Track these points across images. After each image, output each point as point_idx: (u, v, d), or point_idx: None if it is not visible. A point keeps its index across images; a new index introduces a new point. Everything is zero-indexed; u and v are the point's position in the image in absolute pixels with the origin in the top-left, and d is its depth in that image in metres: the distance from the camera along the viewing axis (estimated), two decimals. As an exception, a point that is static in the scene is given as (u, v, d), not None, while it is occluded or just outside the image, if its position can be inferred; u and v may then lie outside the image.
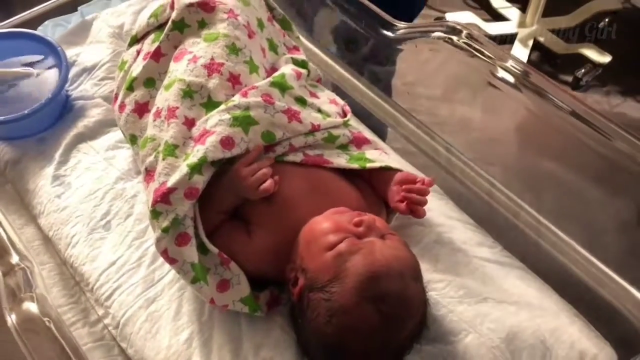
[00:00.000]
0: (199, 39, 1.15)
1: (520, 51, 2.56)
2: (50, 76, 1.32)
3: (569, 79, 2.48)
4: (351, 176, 1.07)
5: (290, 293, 0.93)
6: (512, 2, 2.80)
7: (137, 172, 1.21)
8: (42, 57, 1.36)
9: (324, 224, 0.92)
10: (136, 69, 1.19)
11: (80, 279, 1.10)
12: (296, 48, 1.31)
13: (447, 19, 2.59)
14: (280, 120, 1.04)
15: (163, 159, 1.00)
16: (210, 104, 1.06)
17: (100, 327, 1.06)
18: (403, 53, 1.52)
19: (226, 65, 1.10)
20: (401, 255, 0.89)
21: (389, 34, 1.42)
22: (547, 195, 1.27)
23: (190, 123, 1.04)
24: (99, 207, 1.15)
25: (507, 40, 2.63)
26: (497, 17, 2.78)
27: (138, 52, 1.25)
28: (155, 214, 0.96)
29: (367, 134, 1.21)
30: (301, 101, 1.12)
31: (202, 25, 1.17)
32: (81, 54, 1.44)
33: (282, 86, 1.10)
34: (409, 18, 1.70)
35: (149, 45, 1.23)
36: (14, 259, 1.05)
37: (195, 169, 0.96)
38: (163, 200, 0.95)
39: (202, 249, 0.97)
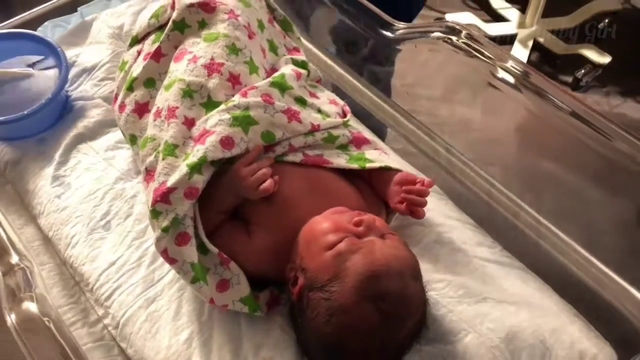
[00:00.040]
0: (199, 39, 1.15)
1: (520, 52, 2.56)
2: (50, 77, 1.32)
3: (569, 79, 2.48)
4: (351, 176, 1.07)
5: (290, 293, 0.93)
6: (511, 3, 2.80)
7: (137, 173, 1.21)
8: (42, 57, 1.36)
9: (324, 224, 0.92)
10: (136, 69, 1.20)
11: (80, 279, 1.10)
12: (296, 49, 1.31)
13: (447, 20, 2.59)
14: (280, 120, 1.04)
15: (163, 159, 1.00)
16: (210, 104, 1.06)
17: (100, 327, 1.06)
18: (403, 53, 1.52)
19: (226, 65, 1.10)
20: (401, 254, 0.89)
21: (389, 34, 1.42)
22: (547, 196, 1.27)
23: (190, 123, 1.04)
24: (98, 207, 1.15)
25: (506, 41, 2.63)
26: (496, 17, 2.78)
27: (139, 53, 1.25)
28: (155, 214, 0.96)
29: (367, 134, 1.21)
30: (301, 101, 1.12)
31: (203, 25, 1.18)
32: (81, 55, 1.44)
33: (281, 86, 1.10)
34: (408, 18, 1.70)
35: (149, 45, 1.23)
36: (14, 259, 1.05)
37: (195, 168, 0.96)
38: (163, 199, 0.95)
39: (202, 248, 0.97)
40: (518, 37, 2.63)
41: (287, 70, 1.15)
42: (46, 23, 1.54)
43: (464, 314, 0.96)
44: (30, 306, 0.98)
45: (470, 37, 1.31)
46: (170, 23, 1.19)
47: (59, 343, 0.94)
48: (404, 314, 0.86)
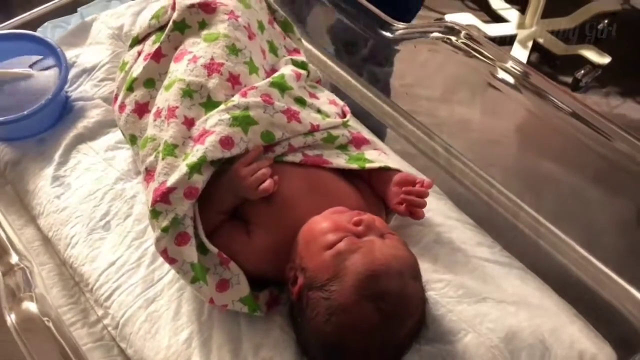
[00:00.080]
0: (199, 39, 1.15)
1: (520, 52, 2.56)
2: (50, 77, 1.33)
3: (569, 80, 2.49)
4: (350, 176, 1.07)
5: (289, 292, 0.93)
6: (511, 4, 2.80)
7: (137, 173, 1.21)
8: (42, 57, 1.36)
9: (323, 223, 0.92)
10: (136, 70, 1.20)
11: (80, 280, 1.10)
12: (296, 50, 1.31)
13: (446, 20, 2.59)
14: (279, 120, 1.04)
15: (163, 159, 1.00)
16: (210, 104, 1.06)
17: (99, 328, 1.06)
18: (402, 54, 1.52)
19: (226, 65, 1.10)
20: (400, 254, 0.89)
21: (388, 34, 1.42)
22: (546, 196, 1.27)
23: (189, 123, 1.04)
24: (98, 207, 1.16)
25: (506, 41, 2.64)
26: (496, 18, 2.79)
27: (139, 53, 1.25)
28: (155, 214, 0.96)
29: (367, 134, 1.21)
30: (300, 101, 1.12)
31: (203, 26, 1.18)
32: (81, 55, 1.44)
33: (281, 86, 1.10)
34: (407, 19, 1.70)
35: (149, 46, 1.23)
36: (14, 259, 1.05)
37: (195, 168, 0.96)
38: (163, 199, 0.95)
39: (201, 248, 0.97)
40: (518, 37, 2.63)
41: (286, 70, 1.15)
42: (46, 24, 1.54)
43: (463, 313, 0.96)
44: (30, 306, 0.98)
45: (469, 37, 1.31)
46: (170, 23, 1.19)
47: (58, 343, 0.94)
48: (404, 314, 0.87)
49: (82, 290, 1.10)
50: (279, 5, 1.36)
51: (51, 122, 1.31)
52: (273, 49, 1.25)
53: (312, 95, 1.19)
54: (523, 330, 0.95)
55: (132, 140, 1.17)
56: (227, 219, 1.02)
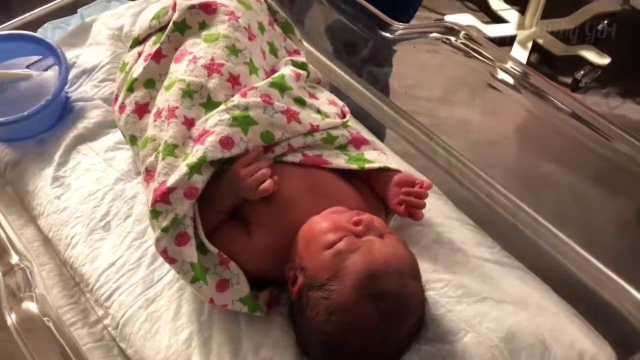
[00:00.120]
0: (200, 40, 1.15)
1: (520, 53, 2.56)
2: (50, 78, 1.33)
3: (568, 80, 2.49)
4: (350, 176, 1.07)
5: (289, 292, 0.93)
6: (511, 5, 2.81)
7: (137, 173, 1.21)
8: (42, 58, 1.36)
9: (323, 223, 0.92)
10: (137, 70, 1.20)
11: (80, 280, 1.10)
12: (297, 52, 1.31)
13: (445, 20, 2.60)
14: (279, 120, 1.04)
15: (163, 159, 1.00)
16: (210, 104, 1.06)
17: (99, 328, 1.06)
18: (401, 55, 1.52)
19: (226, 65, 1.10)
20: (400, 253, 0.89)
21: (387, 35, 1.42)
22: (546, 196, 1.27)
23: (189, 123, 1.04)
24: (98, 208, 1.16)
25: (506, 42, 2.64)
26: (496, 19, 2.79)
27: (139, 54, 1.25)
28: (155, 214, 0.96)
29: (366, 134, 1.21)
30: (300, 102, 1.12)
31: (203, 26, 1.18)
32: (81, 56, 1.44)
33: (281, 87, 1.10)
34: (405, 19, 1.70)
35: (150, 47, 1.23)
36: (14, 259, 1.05)
37: (195, 168, 0.96)
38: (163, 199, 0.95)
39: (201, 248, 0.97)
40: (517, 38, 2.63)
41: (286, 71, 1.15)
42: (46, 24, 1.55)
43: (463, 313, 0.96)
44: (31, 306, 0.98)
45: (468, 37, 1.31)
46: (170, 24, 1.19)
47: (59, 343, 0.94)
48: (403, 313, 0.87)
49: (82, 290, 1.10)
50: (277, 5, 1.36)
51: (51, 122, 1.31)
52: (273, 50, 1.25)
53: (312, 96, 1.19)
54: (523, 330, 0.95)
55: (132, 140, 1.17)
56: (227, 219, 1.02)
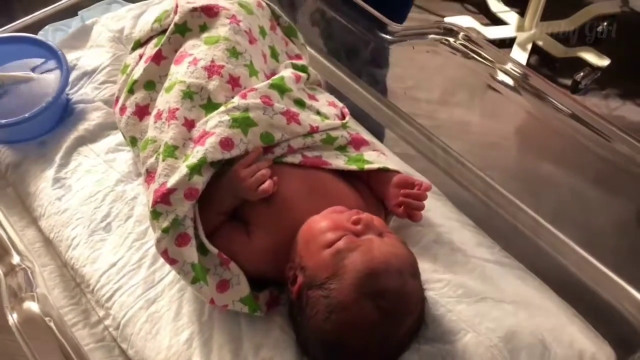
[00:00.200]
0: (200, 42, 1.16)
1: (519, 55, 2.57)
2: (50, 80, 1.33)
3: (568, 82, 2.49)
4: (349, 177, 1.07)
5: (289, 292, 0.93)
6: (510, 7, 2.81)
7: (137, 175, 1.21)
8: (43, 60, 1.36)
9: (322, 223, 0.93)
10: (137, 72, 1.20)
11: (81, 281, 1.10)
12: (298, 56, 1.31)
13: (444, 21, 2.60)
14: (279, 121, 1.04)
15: (163, 160, 1.00)
16: (210, 106, 1.07)
17: (100, 328, 1.06)
18: (401, 56, 1.52)
19: (226, 67, 1.11)
20: (399, 252, 0.89)
21: (386, 36, 1.43)
22: (546, 197, 1.27)
23: (190, 124, 1.05)
24: (99, 209, 1.16)
25: (505, 44, 2.64)
26: (495, 21, 2.79)
27: (140, 56, 1.25)
28: (155, 215, 0.96)
29: (366, 135, 1.21)
30: (300, 103, 1.12)
31: (204, 29, 1.18)
32: (81, 58, 1.45)
33: (281, 88, 1.10)
34: (401, 19, 1.70)
35: (151, 49, 1.23)
36: (15, 259, 1.05)
37: (195, 169, 0.96)
38: (163, 200, 0.96)
39: (201, 249, 0.97)
40: (517, 40, 2.64)
41: (286, 73, 1.15)
42: (47, 27, 1.55)
43: (463, 313, 0.96)
44: (32, 306, 0.98)
45: (467, 38, 1.32)
46: (172, 26, 1.20)
47: (60, 342, 0.94)
48: (403, 311, 0.87)
49: (83, 291, 1.11)
50: (276, 5, 1.36)
51: (52, 124, 1.31)
52: (274, 55, 1.25)
53: (312, 97, 1.19)
54: (522, 330, 0.95)
55: (133, 142, 1.18)
56: (227, 220, 1.02)
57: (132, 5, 1.59)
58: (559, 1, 2.69)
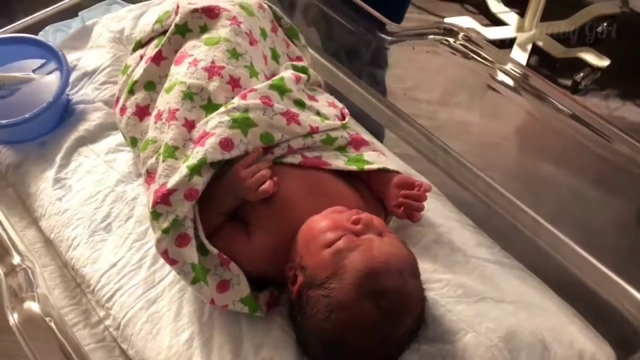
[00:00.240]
0: (200, 43, 1.16)
1: (519, 55, 2.57)
2: (51, 81, 1.33)
3: (568, 82, 2.49)
4: (349, 177, 1.07)
5: (289, 291, 0.93)
6: (510, 7, 2.81)
7: (138, 175, 1.21)
8: (43, 61, 1.37)
9: (322, 222, 0.93)
10: (137, 73, 1.20)
11: (82, 281, 1.10)
12: (299, 58, 1.31)
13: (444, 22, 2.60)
14: (279, 122, 1.05)
15: (163, 161, 1.01)
16: (210, 106, 1.07)
17: (101, 329, 1.06)
18: (400, 56, 1.52)
19: (227, 68, 1.11)
20: (399, 252, 0.89)
21: (386, 36, 1.43)
22: (546, 197, 1.27)
23: (190, 125, 1.05)
24: (99, 209, 1.16)
25: (505, 44, 2.64)
26: (495, 21, 2.79)
27: (141, 57, 1.25)
28: (155, 215, 0.96)
29: (366, 135, 1.21)
30: (300, 104, 1.13)
31: (204, 30, 1.18)
32: (82, 59, 1.45)
33: (281, 89, 1.10)
34: (398, 19, 1.70)
35: (151, 50, 1.23)
36: (16, 259, 1.06)
37: (195, 170, 0.97)
38: (163, 201, 0.96)
39: (202, 249, 0.97)
40: (517, 40, 2.64)
41: (286, 74, 1.16)
42: (47, 28, 1.55)
43: (462, 313, 0.96)
44: (32, 306, 0.98)
45: (467, 39, 1.32)
46: (172, 26, 1.20)
47: (60, 342, 0.94)
48: (403, 310, 0.87)
49: (84, 291, 1.11)
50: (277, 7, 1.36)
51: (52, 125, 1.31)
52: (275, 56, 1.25)
53: (312, 98, 1.19)
54: (522, 330, 0.95)
55: (133, 142, 1.18)
56: (227, 220, 1.02)
57: (132, 6, 1.59)
58: (559, 2, 2.69)
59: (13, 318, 0.95)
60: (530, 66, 2.56)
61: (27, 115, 1.24)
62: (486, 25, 2.77)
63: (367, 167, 1.07)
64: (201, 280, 0.95)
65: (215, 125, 1.01)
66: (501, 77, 1.29)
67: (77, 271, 1.11)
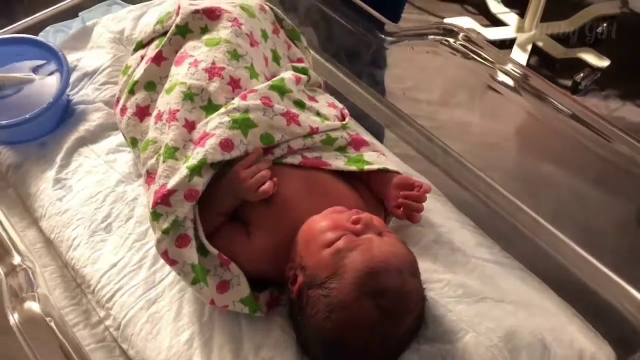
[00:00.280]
0: (201, 44, 1.16)
1: (519, 56, 2.57)
2: (51, 81, 1.34)
3: (568, 83, 2.49)
4: (349, 178, 1.07)
5: (289, 291, 0.93)
6: (510, 8, 2.81)
7: (138, 175, 1.21)
8: (43, 62, 1.37)
9: (322, 222, 0.93)
10: (138, 73, 1.21)
11: (82, 281, 1.10)
12: (300, 60, 1.31)
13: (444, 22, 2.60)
14: (279, 123, 1.05)
15: (163, 162, 1.01)
16: (211, 107, 1.07)
17: (101, 329, 1.07)
18: (400, 56, 1.52)
19: (227, 69, 1.11)
20: (399, 251, 0.90)
21: (386, 36, 1.43)
22: (546, 197, 1.27)
23: (190, 126, 1.05)
24: (99, 209, 1.16)
25: (505, 45, 2.64)
26: (495, 22, 2.79)
27: (142, 58, 1.26)
28: (155, 216, 0.96)
29: (365, 136, 1.21)
30: (300, 104, 1.13)
31: (205, 31, 1.19)
32: (82, 59, 1.45)
33: (281, 89, 1.10)
34: (396, 19, 1.70)
35: (152, 50, 1.23)
36: (16, 259, 1.06)
37: (195, 171, 0.97)
38: (163, 202, 0.96)
39: (202, 250, 0.97)
40: (517, 41, 2.63)
41: (286, 74, 1.16)
42: (48, 28, 1.55)
43: (462, 313, 0.96)
44: (33, 306, 0.99)
45: (467, 39, 1.32)
46: (173, 27, 1.20)
47: (61, 342, 0.94)
48: (403, 310, 0.87)
49: (84, 291, 1.11)
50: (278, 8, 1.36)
51: (53, 125, 1.31)
52: (276, 58, 1.25)
53: (312, 99, 1.19)
54: (522, 330, 0.95)
55: (133, 143, 1.18)
56: (227, 221, 1.03)
57: (132, 7, 1.60)
58: (559, 2, 2.69)
59: (13, 318, 0.95)
60: (530, 67, 2.56)
61: (27, 116, 1.25)
62: (486, 25, 2.77)
63: (367, 167, 1.07)
64: (201, 281, 0.95)
65: (215, 126, 1.02)
66: (501, 77, 1.29)
67: (77, 271, 1.11)
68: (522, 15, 2.71)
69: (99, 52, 1.46)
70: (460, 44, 1.32)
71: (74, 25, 1.58)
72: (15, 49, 1.38)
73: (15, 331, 0.94)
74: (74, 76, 1.40)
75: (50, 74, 1.35)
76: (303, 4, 1.65)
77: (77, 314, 1.09)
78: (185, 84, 1.08)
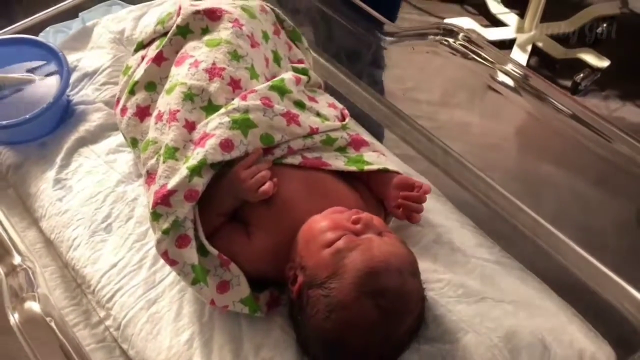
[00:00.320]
0: (201, 44, 1.16)
1: (519, 56, 2.57)
2: (51, 81, 1.34)
3: (568, 83, 2.49)
4: (349, 178, 1.08)
5: (289, 291, 0.94)
6: (510, 8, 2.81)
7: (138, 176, 1.21)
8: (44, 62, 1.37)
9: (322, 222, 0.93)
10: (138, 73, 1.21)
11: (82, 281, 1.10)
12: (301, 61, 1.31)
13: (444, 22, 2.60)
14: (279, 123, 1.05)
15: (164, 162, 1.01)
16: (211, 107, 1.07)
17: (101, 329, 1.07)
18: (400, 57, 1.52)
19: (227, 70, 1.11)
20: (399, 251, 0.90)
21: (386, 36, 1.43)
22: (546, 198, 1.27)
23: (190, 126, 1.05)
24: (100, 210, 1.16)
25: (505, 45, 2.64)
26: (495, 22, 2.79)
27: (143, 58, 1.26)
28: (155, 216, 0.96)
29: (365, 136, 1.21)
30: (300, 105, 1.13)
31: (206, 32, 1.19)
32: (82, 60, 1.45)
33: (281, 90, 1.10)
34: (393, 18, 1.70)
35: (153, 50, 1.24)
36: (16, 259, 1.06)
37: (195, 171, 0.97)
38: (163, 202, 0.96)
39: (202, 250, 0.97)
40: (517, 41, 2.63)
41: (286, 75, 1.16)
42: (48, 29, 1.55)
43: (462, 313, 0.96)
44: (33, 306, 0.99)
45: (467, 39, 1.32)
46: (174, 27, 1.20)
47: (61, 342, 0.95)
48: (403, 310, 0.87)
49: (84, 292, 1.11)
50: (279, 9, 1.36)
51: (53, 125, 1.31)
52: (277, 59, 1.25)
53: (312, 99, 1.19)
54: (522, 330, 0.95)
55: (134, 143, 1.18)
56: (227, 221, 1.03)
57: (132, 7, 1.60)
58: (559, 2, 2.69)
59: (14, 318, 0.95)
60: (530, 67, 2.56)
61: (27, 116, 1.25)
62: (486, 26, 2.77)
63: (367, 167, 1.07)
64: (201, 281, 0.95)
65: (215, 126, 1.02)
66: (501, 77, 1.30)
67: (77, 271, 1.11)
68: (522, 15, 2.71)
69: (99, 52, 1.46)
70: (460, 44, 1.32)
71: (74, 25, 1.58)
72: (15, 50, 1.38)
73: (16, 331, 0.94)
74: (74, 76, 1.40)
75: (51, 74, 1.35)
76: (303, 4, 1.65)
77: (77, 314, 1.09)
78: (186, 85, 1.08)
